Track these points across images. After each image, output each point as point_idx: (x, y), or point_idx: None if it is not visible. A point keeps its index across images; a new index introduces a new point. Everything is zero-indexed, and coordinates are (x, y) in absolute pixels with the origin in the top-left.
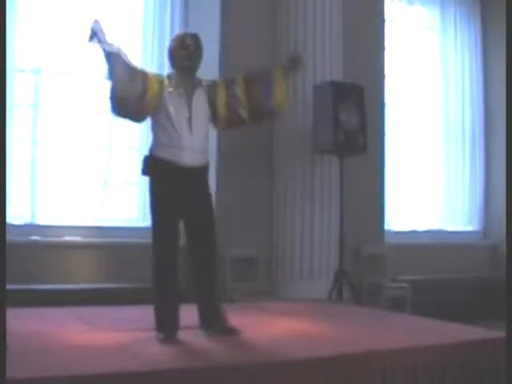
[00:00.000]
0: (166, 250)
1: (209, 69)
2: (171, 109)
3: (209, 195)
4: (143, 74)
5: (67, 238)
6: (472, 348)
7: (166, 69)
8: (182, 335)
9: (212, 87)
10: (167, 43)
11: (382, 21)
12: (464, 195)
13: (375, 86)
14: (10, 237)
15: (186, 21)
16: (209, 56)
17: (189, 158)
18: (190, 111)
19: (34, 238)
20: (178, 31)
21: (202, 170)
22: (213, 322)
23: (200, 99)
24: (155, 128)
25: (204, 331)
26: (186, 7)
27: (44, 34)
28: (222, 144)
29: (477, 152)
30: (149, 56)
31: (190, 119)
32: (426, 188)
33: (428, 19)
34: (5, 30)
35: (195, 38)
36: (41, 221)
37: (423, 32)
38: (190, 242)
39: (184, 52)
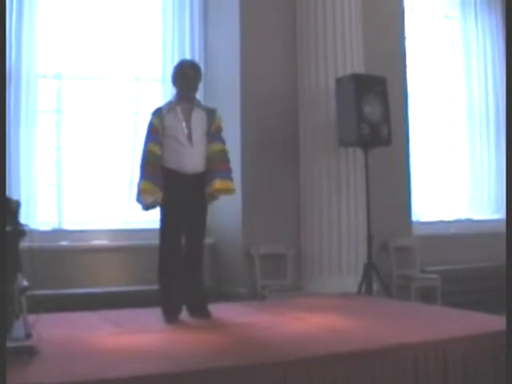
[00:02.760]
0: (170, 243)
1: (230, 61)
2: (171, 128)
3: (204, 197)
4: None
5: (95, 242)
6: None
7: None
8: (212, 333)
9: (211, 115)
10: (187, 42)
11: (402, 11)
12: (490, 183)
13: (397, 76)
14: (38, 243)
15: (205, 19)
16: (229, 52)
17: (190, 166)
18: (189, 127)
19: (62, 243)
20: (197, 30)
21: (202, 176)
22: (197, 307)
23: (198, 117)
24: (163, 143)
25: (190, 316)
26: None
27: (65, 40)
28: (247, 140)
29: (502, 139)
30: (169, 57)
31: (189, 135)
32: (452, 177)
33: (448, 7)
34: (4, 31)
35: (196, 68)
36: (68, 226)
37: (443, 21)
38: (185, 236)
39: (184, 83)
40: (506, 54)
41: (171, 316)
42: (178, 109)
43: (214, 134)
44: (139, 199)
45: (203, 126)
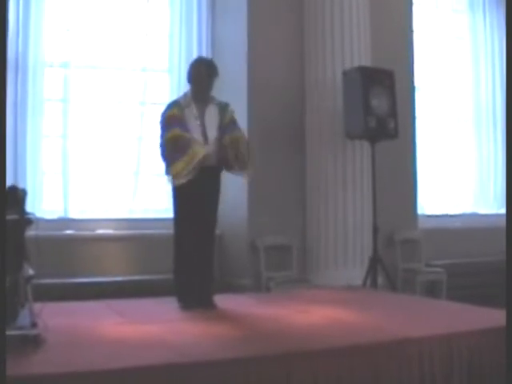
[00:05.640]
0: (185, 233)
1: (237, 52)
2: (187, 123)
3: (218, 190)
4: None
5: (100, 231)
6: None
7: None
8: (216, 325)
9: (224, 109)
10: (195, 32)
11: (410, 4)
12: (496, 177)
13: (404, 69)
14: (43, 231)
15: (212, 9)
16: (236, 43)
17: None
18: (203, 123)
19: (67, 232)
20: (205, 20)
21: (215, 169)
22: (203, 298)
23: (212, 113)
24: None
25: (197, 307)
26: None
27: (72, 29)
28: (253, 132)
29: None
30: (176, 47)
31: (203, 130)
32: (458, 171)
33: (456, 1)
34: (5, 29)
35: (212, 68)
36: (74, 214)
37: (451, 14)
38: (196, 226)
39: (199, 82)
40: (506, 52)
41: (187, 303)
42: (193, 106)
43: (227, 124)
44: (173, 181)
45: (216, 121)
